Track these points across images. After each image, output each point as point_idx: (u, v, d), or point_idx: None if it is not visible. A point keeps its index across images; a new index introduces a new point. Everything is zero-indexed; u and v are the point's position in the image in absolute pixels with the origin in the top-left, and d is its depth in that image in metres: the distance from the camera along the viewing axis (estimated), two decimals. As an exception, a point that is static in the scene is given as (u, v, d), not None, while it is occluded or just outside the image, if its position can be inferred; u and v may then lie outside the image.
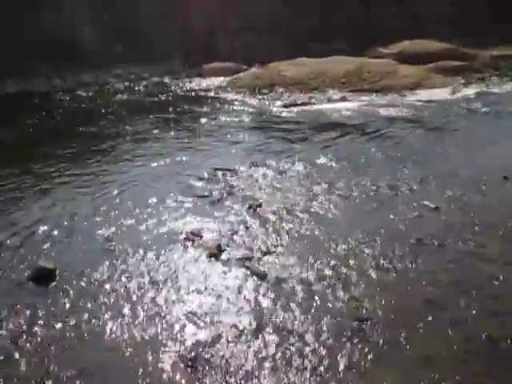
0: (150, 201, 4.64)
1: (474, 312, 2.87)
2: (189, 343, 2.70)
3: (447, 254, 3.53)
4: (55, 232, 4.07)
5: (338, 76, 10.38)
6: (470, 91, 9.74)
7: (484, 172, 5.10)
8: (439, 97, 9.27)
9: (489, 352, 2.57)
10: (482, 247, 3.61)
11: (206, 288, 3.21)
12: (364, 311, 2.92)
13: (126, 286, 3.24)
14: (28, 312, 3.00)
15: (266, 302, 3.04)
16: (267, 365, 2.53)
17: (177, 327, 2.83)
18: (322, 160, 5.70)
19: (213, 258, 3.55)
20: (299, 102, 9.16)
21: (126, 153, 6.51)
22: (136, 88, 12.35)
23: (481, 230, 3.87)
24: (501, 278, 3.21)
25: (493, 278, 3.21)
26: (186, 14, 16.26)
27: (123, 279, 3.33)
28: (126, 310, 2.99)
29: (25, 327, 2.86)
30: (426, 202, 4.37)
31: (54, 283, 3.31)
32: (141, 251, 3.68)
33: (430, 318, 2.83)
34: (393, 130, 7.07)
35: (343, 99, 9.25)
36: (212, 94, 10.96)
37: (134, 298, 3.12)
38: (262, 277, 3.30)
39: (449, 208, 4.29)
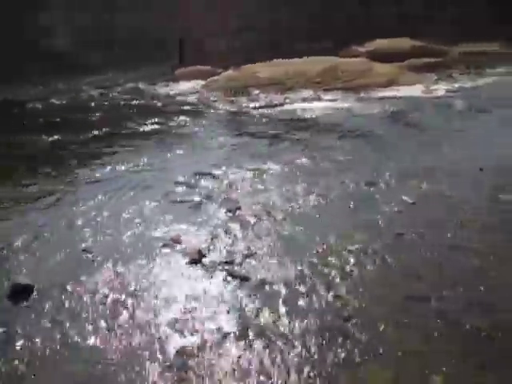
0: (127, 208, 4.56)
1: (458, 304, 2.90)
2: (174, 351, 2.65)
3: (427, 248, 3.57)
4: (31, 245, 3.96)
5: (313, 76, 10.43)
6: (443, 87, 9.92)
7: (459, 165, 5.19)
8: (413, 93, 9.41)
9: (474, 343, 2.59)
10: (461, 239, 3.66)
11: (188, 294, 3.16)
12: (348, 309, 2.92)
13: (106, 298, 3.17)
14: (2, 330, 2.90)
15: (249, 305, 3.01)
16: (254, 368, 2.50)
17: (161, 336, 2.78)
18: (299, 160, 5.71)
19: (194, 264, 3.51)
20: (275, 103, 9.17)
21: (99, 160, 6.39)
22: (110, 95, 12.19)
23: (459, 223, 3.92)
24: (482, 268, 3.25)
25: (474, 269, 3.26)
26: (162, 18, 16.13)
27: (103, 291, 3.25)
28: (108, 322, 2.92)
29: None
30: (404, 198, 4.42)
31: (31, 299, 3.21)
32: (120, 261, 3.61)
33: (413, 313, 2.85)
34: (368, 127, 7.13)
35: (318, 99, 9.30)
36: (187, 97, 10.89)
37: (115, 309, 3.05)
38: (245, 280, 3.27)
39: (427, 202, 4.34)
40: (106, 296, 3.19)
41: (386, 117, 7.78)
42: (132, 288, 3.27)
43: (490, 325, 2.70)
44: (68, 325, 2.91)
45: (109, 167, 5.97)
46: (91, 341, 2.76)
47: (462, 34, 14.03)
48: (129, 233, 4.06)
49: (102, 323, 2.91)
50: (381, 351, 2.57)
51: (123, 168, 5.89)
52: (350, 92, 9.72)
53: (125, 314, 2.99)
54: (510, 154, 5.40)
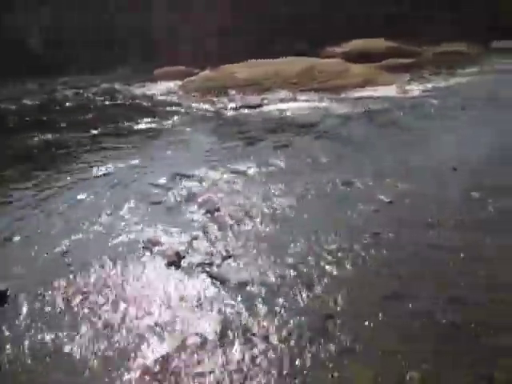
0: (105, 211, 4.50)
1: (435, 301, 2.96)
2: (154, 356, 2.63)
3: (404, 246, 3.63)
4: (6, 249, 3.87)
5: (289, 76, 10.49)
6: (417, 87, 10.10)
7: (434, 164, 5.30)
8: (388, 94, 9.55)
9: (453, 340, 2.65)
10: (437, 237, 3.74)
11: (167, 297, 3.14)
12: (327, 308, 2.95)
13: (83, 302, 3.12)
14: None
15: (229, 307, 3.01)
16: (234, 370, 2.50)
17: (140, 340, 2.75)
18: (277, 160, 5.73)
19: (172, 266, 3.49)
20: (252, 104, 9.18)
21: (77, 162, 6.29)
22: (85, 95, 11.99)
23: (434, 221, 4.00)
24: (457, 265, 3.33)
25: (449, 267, 3.33)
26: (140, 17, 15.94)
27: (80, 295, 3.20)
28: (85, 327, 2.87)
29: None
30: (380, 197, 4.48)
31: (6, 305, 3.14)
32: (98, 264, 3.56)
33: (391, 311, 2.90)
34: (345, 127, 7.21)
35: (295, 99, 9.36)
36: (164, 98, 10.81)
37: (93, 313, 3.01)
38: (224, 281, 3.27)
39: (403, 201, 4.42)
40: (84, 299, 3.14)
41: (361, 117, 7.88)
42: (109, 291, 3.22)
43: (465, 321, 2.77)
44: (43, 331, 2.86)
45: (86, 169, 5.88)
46: (67, 347, 2.72)
47: (433, 34, 14.34)
48: (106, 235, 4.01)
49: (79, 328, 2.86)
50: (360, 350, 2.60)
51: (101, 170, 5.81)
52: (326, 92, 9.81)
53: (102, 319, 2.95)
54: (482, 153, 5.54)
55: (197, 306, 3.03)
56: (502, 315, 2.81)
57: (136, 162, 6.05)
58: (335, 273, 3.32)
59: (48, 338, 2.80)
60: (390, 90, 9.80)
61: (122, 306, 3.07)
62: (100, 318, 2.96)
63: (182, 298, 3.12)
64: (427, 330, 2.72)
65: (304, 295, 3.09)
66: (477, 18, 16.08)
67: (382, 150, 6.01)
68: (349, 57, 12.24)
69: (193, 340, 2.72)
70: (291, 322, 2.83)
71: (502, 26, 15.46)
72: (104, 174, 5.65)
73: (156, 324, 2.87)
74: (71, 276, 3.42)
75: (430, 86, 10.15)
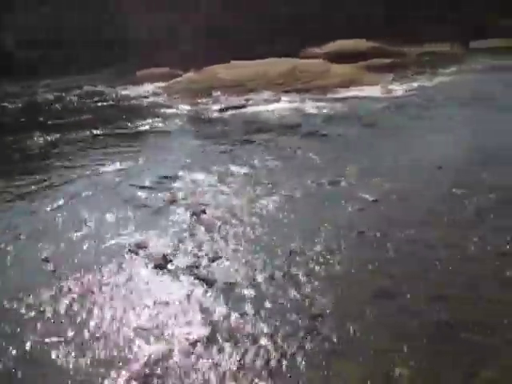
0: (89, 215, 4.45)
1: (422, 298, 2.99)
2: (141, 360, 2.60)
3: (390, 244, 3.66)
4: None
5: (273, 77, 10.51)
6: (400, 87, 10.21)
7: (418, 163, 5.36)
8: (371, 94, 9.63)
9: (439, 337, 2.68)
10: (422, 234, 3.78)
11: (154, 300, 3.11)
12: (316, 308, 2.96)
13: (68, 308, 3.08)
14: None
15: (217, 309, 2.99)
16: (224, 372, 2.49)
17: (127, 345, 2.72)
18: (262, 161, 5.73)
19: (159, 269, 3.46)
20: (236, 105, 9.18)
21: (59, 165, 6.20)
22: (67, 98, 11.84)
23: (419, 219, 4.05)
24: (443, 262, 3.37)
25: (435, 263, 3.37)
26: (122, 19, 15.80)
27: (65, 301, 3.15)
28: (72, 333, 2.83)
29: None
30: (366, 196, 4.52)
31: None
32: (83, 269, 3.51)
33: (379, 308, 2.92)
34: (329, 127, 7.25)
35: (279, 100, 9.38)
36: (148, 100, 10.74)
37: (79, 319, 2.97)
38: (212, 283, 3.26)
39: (388, 200, 4.45)
40: (69, 305, 3.10)
41: (346, 117, 7.93)
42: (96, 296, 3.19)
43: (453, 319, 2.80)
44: (28, 339, 2.81)
45: (71, 172, 5.81)
46: (53, 354, 2.68)
47: (417, 35, 14.52)
48: (91, 239, 3.96)
49: (65, 334, 2.82)
50: (350, 349, 2.61)
51: (86, 173, 5.75)
52: (310, 93, 9.86)
53: (90, 324, 2.91)
54: (467, 152, 5.62)
55: (184, 309, 3.01)
56: (488, 313, 2.85)
57: (120, 164, 6.00)
58: (323, 272, 3.34)
59: (33, 345, 2.75)
60: (374, 90, 9.89)
61: (109, 310, 3.03)
62: (86, 323, 2.92)
63: (169, 301, 3.09)
64: (416, 329, 2.74)
65: (292, 295, 3.09)
66: (457, 18, 16.35)
67: (367, 150, 6.06)
68: (331, 57, 12.31)
69: (181, 343, 2.70)
70: (280, 322, 2.83)
71: (478, 26, 15.78)
72: (86, 178, 5.59)
73: (143, 328, 2.84)
74: (55, 282, 3.36)
75: (413, 85, 10.26)
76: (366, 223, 3.98)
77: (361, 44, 13.44)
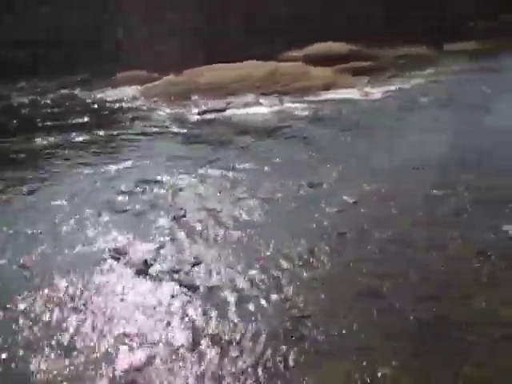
0: (69, 220, 4.37)
1: (403, 297, 3.03)
2: (124, 367, 2.57)
3: (370, 245, 3.70)
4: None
5: (253, 80, 10.52)
6: (378, 89, 10.33)
7: (396, 164, 5.43)
8: (350, 96, 9.73)
9: (421, 335, 2.72)
10: (402, 234, 3.84)
11: (135, 307, 3.08)
12: (298, 310, 2.97)
13: (48, 315, 3.02)
14: None
15: (199, 314, 2.98)
16: (207, 378, 2.47)
17: (109, 352, 2.68)
18: (243, 164, 5.73)
19: (140, 275, 3.42)
20: (216, 108, 9.15)
21: (37, 171, 6.08)
22: (42, 102, 11.62)
23: (398, 219, 4.11)
24: (424, 261, 3.43)
25: (415, 263, 3.42)
26: (98, 20, 15.59)
27: (44, 308, 3.09)
28: (52, 341, 2.78)
29: None
30: (345, 197, 4.56)
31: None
32: (62, 276, 3.45)
33: (361, 308, 2.95)
34: (308, 130, 7.29)
35: (259, 103, 9.39)
36: (126, 104, 10.62)
37: (59, 326, 2.91)
38: (194, 288, 3.23)
39: (367, 201, 4.50)
40: (49, 312, 3.03)
41: (325, 119, 7.99)
42: (76, 303, 3.13)
43: (436, 317, 2.85)
44: (6, 348, 2.74)
45: (50, 178, 5.70)
46: (35, 363, 2.62)
47: (393, 37, 14.74)
48: (70, 245, 3.89)
49: (46, 342, 2.76)
50: (335, 349, 2.63)
51: (63, 178, 5.65)
52: (289, 96, 9.90)
53: (69, 331, 2.86)
54: (441, 152, 5.72)
55: (167, 314, 2.98)
56: (470, 311, 2.91)
57: (99, 169, 5.91)
58: (305, 274, 3.35)
59: (11, 354, 2.68)
60: (352, 93, 9.99)
61: (89, 317, 2.98)
62: (64, 330, 2.86)
63: (151, 307, 3.06)
64: (399, 328, 2.78)
65: (275, 298, 3.09)
66: (431, 22, 16.67)
67: (346, 152, 6.11)
68: (309, 60, 12.38)
69: (164, 349, 2.68)
70: (263, 325, 2.83)
71: (452, 29, 16.17)
72: (64, 183, 5.49)
73: (125, 334, 2.81)
74: (33, 289, 3.29)
75: (390, 87, 10.40)
76: (346, 224, 4.02)
77: (339, 47, 13.56)
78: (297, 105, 9.17)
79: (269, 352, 2.62)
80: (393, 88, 10.22)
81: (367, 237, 3.82)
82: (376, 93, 9.90)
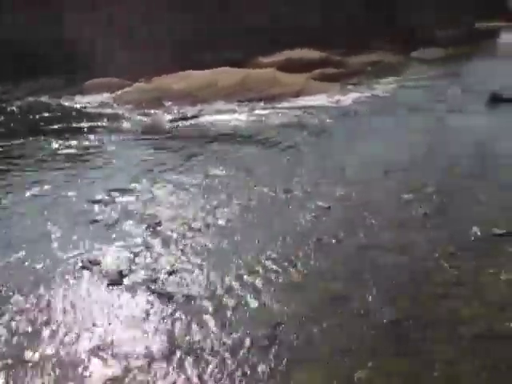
0: (39, 231, 4.25)
1: (376, 300, 3.09)
2: (99, 382, 2.51)
3: (345, 249, 3.76)
4: None
5: (225, 87, 10.54)
6: (347, 96, 10.52)
7: (367, 169, 5.54)
8: (320, 103, 9.87)
9: (394, 336, 2.77)
10: (375, 238, 3.91)
11: (110, 319, 3.02)
12: (276, 316, 2.98)
13: (17, 329, 2.92)
14: None
15: (176, 324, 2.95)
16: (184, 388, 2.45)
17: (83, 366, 2.62)
18: (217, 171, 5.72)
19: (114, 285, 3.36)
20: (189, 115, 9.11)
21: (3, 179, 5.89)
22: (8, 109, 11.30)
23: (371, 223, 4.19)
24: (395, 264, 3.50)
25: (388, 266, 3.49)
26: (64, 25, 15.28)
27: (14, 323, 2.99)
28: (22, 356, 2.69)
29: None
30: (319, 203, 4.61)
31: None
32: (33, 288, 3.35)
33: (338, 313, 2.99)
34: (281, 136, 7.35)
35: (232, 110, 9.42)
36: (96, 111, 10.45)
37: (29, 341, 2.83)
38: (170, 298, 3.20)
39: (341, 206, 4.57)
40: (18, 326, 2.94)
41: (297, 126, 8.07)
42: (46, 316, 3.05)
43: (406, 318, 2.91)
44: (-25, 366, 2.64)
45: (16, 188, 5.54)
46: (4, 380, 2.53)
47: (359, 45, 15.09)
48: (41, 257, 3.78)
49: (15, 357, 2.68)
50: (310, 355, 2.65)
51: (33, 189, 5.49)
52: (261, 102, 9.97)
53: (40, 346, 2.78)
54: (412, 157, 5.86)
55: (142, 325, 2.94)
56: (440, 311, 2.99)
57: (68, 178, 5.78)
58: (281, 281, 3.37)
59: (-20, 373, 2.59)
60: (323, 99, 10.14)
61: (61, 330, 2.91)
62: (36, 345, 2.78)
63: (126, 318, 3.01)
64: (372, 330, 2.83)
65: (252, 305, 3.09)
66: (398, 30, 17.16)
67: (318, 157, 6.19)
68: (280, 67, 12.51)
69: (139, 361, 2.64)
70: (241, 333, 2.83)
71: (418, 38, 16.72)
72: (35, 192, 5.34)
73: (99, 347, 2.75)
74: (2, 303, 3.19)
75: (359, 94, 10.61)
76: (321, 230, 4.07)
77: (310, 54, 13.76)
78: (269, 111, 9.23)
79: (246, 360, 2.62)
80: (361, 94, 10.43)
81: (341, 242, 3.88)
82: (346, 99, 10.08)
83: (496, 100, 8.66)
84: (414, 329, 2.82)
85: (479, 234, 3.89)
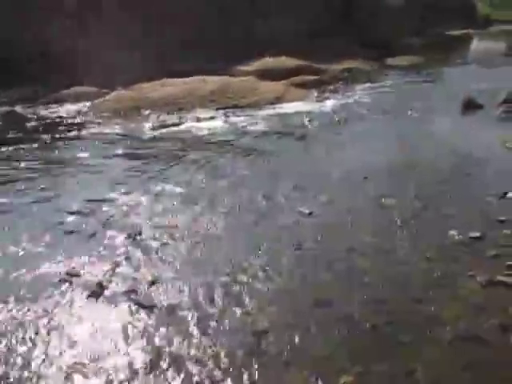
0: (15, 244, 4.15)
1: (357, 304, 3.12)
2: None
3: (326, 255, 3.78)
4: None
5: (204, 95, 10.54)
6: (325, 102, 10.65)
7: (347, 175, 5.60)
8: (300, 109, 9.95)
9: (377, 340, 2.80)
10: (355, 243, 3.95)
11: (90, 331, 2.96)
12: (259, 324, 2.98)
13: (-6, 346, 2.85)
14: None
15: (158, 335, 2.91)
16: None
17: (63, 381, 2.56)
18: (198, 179, 5.71)
19: (95, 297, 3.31)
20: (168, 123, 9.06)
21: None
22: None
23: (351, 228, 4.23)
24: (376, 268, 3.55)
25: (367, 270, 3.53)
26: (38, 33, 15.03)
27: (-10, 339, 2.91)
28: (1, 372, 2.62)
29: None
30: (300, 209, 4.64)
31: None
32: (10, 302, 3.27)
33: (320, 318, 3.01)
34: (261, 143, 7.38)
35: (212, 118, 9.41)
36: (74, 120, 10.31)
37: (6, 358, 2.75)
38: (151, 308, 3.16)
39: (321, 212, 4.61)
40: (-5, 345, 2.87)
41: (277, 132, 8.12)
42: (25, 331, 2.97)
43: (387, 322, 2.95)
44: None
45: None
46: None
47: (338, 53, 15.33)
48: (18, 269, 3.69)
49: (-7, 377, 2.60)
50: (295, 362, 2.65)
51: (10, 197, 5.37)
52: (241, 110, 10.00)
53: (17, 363, 2.70)
54: (391, 162, 5.96)
55: (124, 337, 2.90)
56: (420, 314, 3.03)
57: (46, 190, 5.67)
58: (265, 287, 3.37)
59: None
60: (302, 105, 10.23)
61: (40, 346, 2.84)
62: (14, 362, 2.71)
63: (107, 330, 2.96)
64: (355, 335, 2.85)
65: (235, 313, 3.08)
66: (373, 39, 17.55)
67: (299, 163, 6.24)
68: (259, 74, 12.59)
69: (121, 374, 2.59)
70: (224, 341, 2.81)
71: (392, 45, 17.16)
72: (12, 203, 5.22)
73: (79, 363, 2.69)
74: (-21, 319, 3.10)
75: (336, 100, 10.75)
76: (303, 236, 4.09)
77: (287, 62, 13.90)
78: (249, 118, 9.27)
79: (230, 369, 2.61)
80: (340, 101, 10.57)
81: (323, 247, 3.90)
82: (324, 105, 10.20)
83: (470, 105, 8.89)
84: (396, 333, 2.86)
85: (456, 237, 3.97)
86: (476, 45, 20.51)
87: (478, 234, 3.96)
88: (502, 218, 4.20)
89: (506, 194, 4.74)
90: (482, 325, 2.89)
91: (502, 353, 2.69)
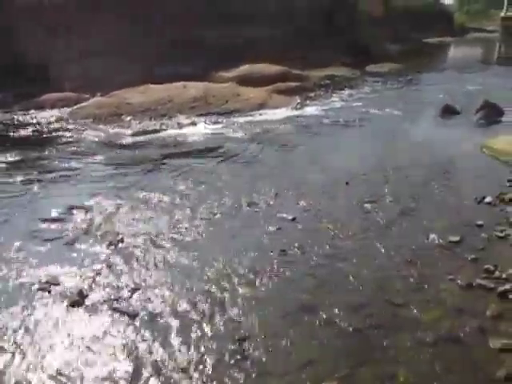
0: (-10, 253, 4.06)
1: (339, 310, 3.13)
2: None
3: (309, 260, 3.80)
4: None
5: (185, 101, 10.50)
6: (307, 108, 10.74)
7: (329, 180, 5.64)
8: (282, 115, 10.01)
9: (358, 345, 2.82)
10: (338, 248, 3.98)
11: (71, 341, 2.91)
12: (242, 330, 2.96)
13: (-30, 359, 2.77)
14: None
15: (140, 343, 2.88)
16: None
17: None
18: (180, 186, 5.67)
19: (75, 306, 3.25)
20: (149, 130, 9.00)
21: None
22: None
23: (334, 234, 4.25)
24: (357, 273, 3.57)
25: (350, 275, 3.56)
26: (17, 36, 14.79)
27: (-34, 351, 2.83)
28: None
29: None
30: (283, 215, 4.65)
31: None
32: (-14, 313, 3.19)
33: (304, 323, 3.01)
34: (244, 149, 7.39)
35: (193, 124, 9.38)
36: (53, 126, 10.16)
37: (-17, 370, 2.68)
38: (133, 316, 3.12)
39: (304, 217, 4.63)
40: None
41: (258, 138, 8.14)
42: (2, 342, 2.90)
43: (369, 327, 2.97)
44: None
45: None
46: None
47: (317, 60, 15.49)
48: (-6, 281, 3.61)
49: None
50: (278, 368, 2.65)
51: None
52: (223, 116, 10.00)
53: (-4, 375, 2.64)
54: (368, 167, 6.03)
55: (106, 346, 2.85)
56: (400, 318, 3.07)
57: (25, 197, 5.56)
58: (248, 293, 3.36)
59: None
60: (284, 112, 10.29)
61: (19, 357, 2.78)
62: (-7, 375, 2.64)
63: (89, 340, 2.91)
64: (338, 339, 2.87)
65: (218, 320, 3.07)
66: (354, 47, 17.82)
67: (281, 169, 6.26)
68: (240, 81, 12.62)
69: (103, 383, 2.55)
70: (207, 348, 2.79)
71: (372, 53, 17.49)
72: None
73: (59, 373, 2.64)
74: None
75: (318, 107, 10.85)
76: (286, 242, 4.09)
77: (268, 68, 13.97)
78: (230, 125, 9.27)
79: (213, 376, 2.59)
80: (321, 107, 10.67)
81: (306, 253, 3.92)
82: (306, 111, 10.28)
83: (448, 111, 9.09)
84: (379, 336, 2.88)
85: (436, 241, 4.03)
86: (453, 51, 20.98)
87: (457, 238, 4.03)
88: (480, 223, 4.29)
89: (483, 198, 4.84)
90: (462, 327, 2.93)
91: (481, 354, 2.73)
